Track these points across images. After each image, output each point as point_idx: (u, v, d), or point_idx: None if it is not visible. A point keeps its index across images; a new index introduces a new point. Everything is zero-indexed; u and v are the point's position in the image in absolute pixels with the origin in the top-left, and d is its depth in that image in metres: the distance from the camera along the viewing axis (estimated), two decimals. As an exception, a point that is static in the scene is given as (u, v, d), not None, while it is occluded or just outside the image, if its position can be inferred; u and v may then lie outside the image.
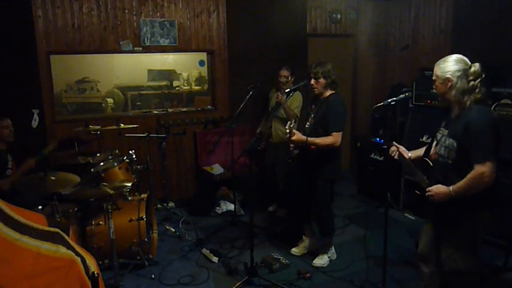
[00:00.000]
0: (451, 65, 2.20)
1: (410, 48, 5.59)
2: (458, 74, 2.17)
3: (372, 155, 5.00)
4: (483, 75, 2.17)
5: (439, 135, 2.36)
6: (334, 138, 3.15)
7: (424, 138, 4.23)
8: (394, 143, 2.55)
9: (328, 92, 3.30)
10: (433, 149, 2.41)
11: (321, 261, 3.48)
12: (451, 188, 2.18)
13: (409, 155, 2.57)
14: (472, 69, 2.17)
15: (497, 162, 2.12)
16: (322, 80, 3.24)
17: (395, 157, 2.52)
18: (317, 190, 3.35)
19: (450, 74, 2.18)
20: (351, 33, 5.99)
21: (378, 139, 4.96)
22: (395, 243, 3.78)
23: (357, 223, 4.35)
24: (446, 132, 2.30)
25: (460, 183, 2.15)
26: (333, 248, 3.59)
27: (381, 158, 4.88)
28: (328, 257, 3.52)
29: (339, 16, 5.80)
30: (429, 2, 5.25)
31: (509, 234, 3.41)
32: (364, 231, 3.93)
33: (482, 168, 2.08)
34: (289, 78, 4.31)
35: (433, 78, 2.29)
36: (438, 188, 2.24)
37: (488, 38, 4.35)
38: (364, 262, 3.37)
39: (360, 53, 6.10)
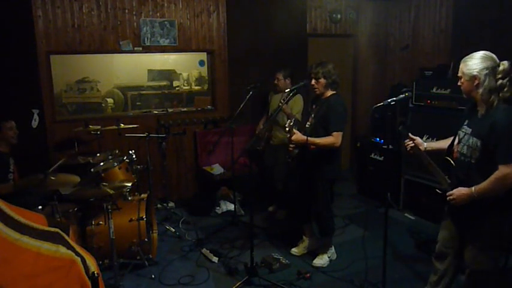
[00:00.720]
0: (478, 62, 2.13)
1: (410, 48, 5.60)
2: (486, 72, 2.10)
3: (372, 155, 5.00)
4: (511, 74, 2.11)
5: (461, 134, 2.30)
6: (334, 138, 3.15)
7: (424, 138, 4.23)
8: (409, 134, 2.47)
9: (329, 92, 3.30)
10: (455, 147, 2.35)
11: (321, 261, 3.48)
12: (473, 188, 2.14)
13: (425, 145, 2.50)
14: (501, 67, 2.11)
15: None
16: (322, 80, 3.24)
17: (410, 151, 2.46)
18: (317, 190, 3.35)
19: (477, 72, 2.11)
20: (351, 33, 5.99)
21: (378, 139, 4.96)
22: (395, 243, 3.79)
23: (357, 223, 4.35)
24: (469, 130, 2.24)
25: (483, 184, 2.11)
26: (332, 248, 3.59)
27: (381, 158, 4.88)
28: (328, 257, 3.52)
29: (339, 16, 5.80)
30: (429, 2, 5.25)
31: (509, 234, 3.41)
32: (364, 231, 3.93)
33: (507, 170, 2.03)
34: (283, 80, 4.32)
35: (459, 75, 2.22)
36: (459, 191, 2.20)
37: (488, 38, 4.35)
38: (363, 262, 3.37)
39: (360, 53, 6.10)
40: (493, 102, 2.11)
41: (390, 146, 4.73)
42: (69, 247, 2.06)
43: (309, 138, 3.12)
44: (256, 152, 4.49)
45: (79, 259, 2.03)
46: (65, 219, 3.10)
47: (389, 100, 2.53)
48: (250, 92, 4.23)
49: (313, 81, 3.27)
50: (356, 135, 6.03)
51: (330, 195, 3.54)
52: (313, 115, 3.36)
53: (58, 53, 4.43)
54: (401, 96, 2.56)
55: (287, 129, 3.10)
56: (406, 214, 4.52)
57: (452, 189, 2.25)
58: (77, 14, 4.37)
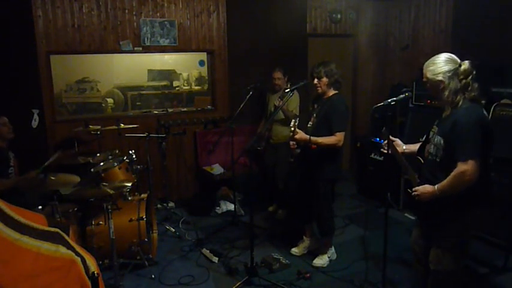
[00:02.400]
0: (441, 66, 2.18)
1: (410, 48, 5.59)
2: (449, 74, 2.15)
3: (372, 155, 5.00)
4: (474, 72, 2.16)
5: (431, 134, 2.37)
6: (337, 138, 3.15)
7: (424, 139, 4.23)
8: (390, 136, 2.50)
9: (331, 92, 3.30)
10: (426, 146, 2.42)
11: (321, 261, 3.48)
12: (436, 186, 2.19)
13: (404, 147, 2.56)
14: (462, 67, 2.15)
15: (484, 161, 2.11)
16: (325, 79, 3.24)
17: (389, 151, 2.49)
18: (318, 190, 3.35)
19: (442, 76, 2.17)
20: (351, 33, 5.99)
21: (377, 139, 4.96)
22: (395, 243, 3.78)
23: (357, 223, 4.35)
24: (436, 130, 2.32)
25: (444, 182, 2.16)
26: (332, 248, 3.59)
27: (381, 158, 4.88)
28: (328, 257, 3.52)
29: (339, 16, 5.80)
30: (429, 2, 5.25)
31: (509, 234, 3.41)
32: (364, 231, 3.93)
33: (464, 167, 2.07)
34: (283, 78, 4.35)
35: (424, 80, 2.28)
36: (425, 188, 2.25)
37: (488, 38, 4.35)
38: (363, 262, 3.37)
39: (360, 53, 6.10)
40: (458, 102, 2.16)
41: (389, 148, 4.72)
42: (69, 247, 2.06)
43: (311, 137, 3.12)
44: (256, 152, 4.49)
45: (79, 259, 2.03)
46: (65, 219, 3.10)
47: (389, 100, 2.54)
48: (250, 92, 4.24)
49: (315, 81, 3.27)
50: (356, 135, 6.03)
51: (331, 195, 3.54)
52: (315, 115, 3.35)
53: (58, 53, 4.43)
54: (401, 96, 2.57)
55: (292, 128, 3.09)
56: (406, 214, 4.52)
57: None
58: (77, 14, 4.37)
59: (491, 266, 3.34)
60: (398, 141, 2.57)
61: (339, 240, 3.85)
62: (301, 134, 3.13)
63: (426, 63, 2.26)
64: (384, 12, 5.95)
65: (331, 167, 3.31)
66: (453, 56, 2.21)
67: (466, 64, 2.16)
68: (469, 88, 2.15)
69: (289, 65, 4.69)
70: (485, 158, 2.14)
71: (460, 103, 2.15)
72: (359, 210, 4.77)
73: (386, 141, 2.52)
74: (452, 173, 2.11)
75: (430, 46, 5.29)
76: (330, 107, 3.22)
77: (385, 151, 2.50)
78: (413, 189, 2.30)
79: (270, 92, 4.57)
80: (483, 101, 2.22)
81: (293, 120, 3.15)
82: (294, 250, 3.68)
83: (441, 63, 2.18)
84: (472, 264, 3.37)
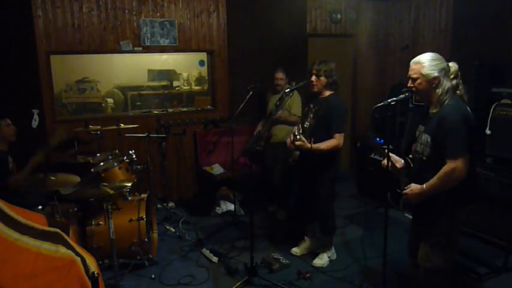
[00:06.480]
0: (437, 63, 2.20)
1: (410, 48, 5.59)
2: (443, 72, 2.20)
3: (372, 155, 5.00)
4: (459, 74, 2.24)
5: (417, 133, 2.39)
6: (337, 140, 3.14)
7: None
8: (386, 151, 2.47)
9: (328, 92, 3.29)
10: (413, 146, 2.44)
11: (321, 261, 3.48)
12: (424, 185, 2.21)
13: (403, 162, 2.56)
14: (453, 68, 2.22)
15: (472, 158, 2.13)
16: (323, 79, 3.22)
17: (389, 168, 2.48)
18: (321, 190, 3.34)
19: (438, 73, 2.19)
20: (351, 33, 5.99)
21: (378, 139, 4.95)
22: (395, 243, 3.78)
23: (357, 223, 4.35)
24: (423, 128, 2.33)
25: (433, 180, 2.17)
26: (333, 248, 3.59)
27: (381, 158, 4.87)
28: (328, 257, 3.52)
29: (339, 16, 5.80)
30: (429, 2, 5.25)
31: (509, 234, 3.41)
32: (364, 231, 3.93)
33: (453, 164, 2.10)
34: (285, 79, 4.37)
35: (414, 76, 2.26)
36: (412, 190, 2.27)
37: (488, 38, 4.35)
38: (363, 262, 3.37)
39: (360, 53, 6.09)
40: (445, 100, 2.19)
41: (390, 146, 4.72)
42: (69, 247, 2.06)
43: (312, 145, 3.08)
44: (256, 152, 4.48)
45: (79, 259, 2.03)
46: (65, 219, 3.09)
47: (389, 100, 2.53)
48: (250, 92, 4.24)
49: (313, 78, 3.24)
50: (356, 135, 6.02)
51: (332, 194, 3.53)
52: (311, 115, 3.33)
53: (58, 53, 4.43)
54: (402, 96, 2.56)
55: (297, 135, 3.07)
56: (406, 214, 4.52)
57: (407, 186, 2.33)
58: (77, 14, 4.37)
59: (491, 266, 3.34)
60: (395, 156, 2.57)
61: (339, 240, 3.85)
62: (303, 143, 3.09)
63: (417, 59, 2.26)
64: (384, 12, 5.95)
65: (331, 166, 3.31)
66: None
67: (455, 66, 2.22)
68: (460, 87, 2.22)
69: (289, 65, 4.68)
70: (472, 155, 2.15)
71: (447, 102, 2.18)
72: (359, 210, 4.77)
73: (383, 160, 2.52)
74: (442, 171, 2.13)
75: (430, 46, 5.27)
76: (328, 108, 3.20)
77: (385, 166, 2.51)
78: (403, 192, 2.34)
79: (270, 93, 4.57)
80: (466, 99, 2.25)
81: (295, 128, 3.12)
82: (295, 250, 3.68)
83: (437, 61, 2.21)
84: (472, 264, 3.37)
